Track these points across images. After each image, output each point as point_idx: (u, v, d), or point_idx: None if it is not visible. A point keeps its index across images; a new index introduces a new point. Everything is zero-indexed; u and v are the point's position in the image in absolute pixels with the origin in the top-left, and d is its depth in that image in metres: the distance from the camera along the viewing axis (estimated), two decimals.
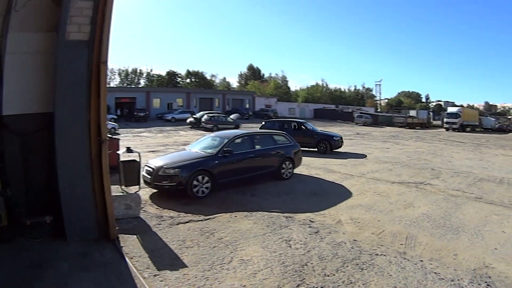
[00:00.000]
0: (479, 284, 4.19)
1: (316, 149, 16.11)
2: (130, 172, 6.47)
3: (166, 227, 5.81)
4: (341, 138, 16.85)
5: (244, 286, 3.95)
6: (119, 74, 61.64)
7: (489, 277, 4.39)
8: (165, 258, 4.56)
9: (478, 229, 6.22)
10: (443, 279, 4.33)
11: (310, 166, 12.38)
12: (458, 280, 4.29)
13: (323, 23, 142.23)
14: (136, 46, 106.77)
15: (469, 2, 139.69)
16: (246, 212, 6.70)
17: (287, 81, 78.74)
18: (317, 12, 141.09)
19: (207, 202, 7.37)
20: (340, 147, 16.56)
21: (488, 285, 4.19)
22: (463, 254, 5.12)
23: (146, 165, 7.85)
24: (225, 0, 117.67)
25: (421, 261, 4.85)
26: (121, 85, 58.99)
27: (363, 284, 4.17)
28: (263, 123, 19.42)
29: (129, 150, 6.66)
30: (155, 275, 4.06)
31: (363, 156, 15.91)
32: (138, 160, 6.61)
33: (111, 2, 4.45)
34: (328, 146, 16.02)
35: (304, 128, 17.17)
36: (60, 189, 4.67)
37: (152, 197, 7.66)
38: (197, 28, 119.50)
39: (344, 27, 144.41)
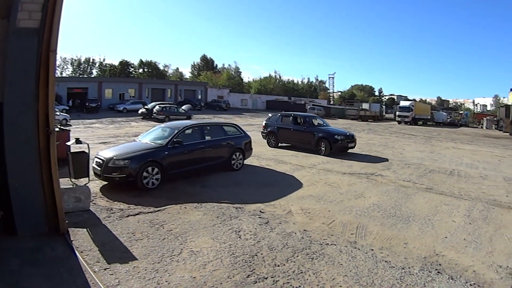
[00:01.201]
0: (429, 272, 4.65)
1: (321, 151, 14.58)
2: (78, 164, 6.85)
3: (116, 219, 6.11)
4: (348, 136, 15.15)
5: (194, 277, 4.20)
6: (72, 63, 64.28)
7: (440, 264, 4.89)
8: (115, 251, 4.83)
9: (428, 218, 6.89)
10: (393, 267, 4.75)
11: (261, 157, 13.08)
12: (409, 268, 4.74)
13: (277, 15, 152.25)
14: (90, 34, 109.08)
15: None
16: (196, 204, 7.12)
17: (240, 72, 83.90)
18: (272, 4, 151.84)
19: (157, 193, 7.80)
20: (347, 147, 14.91)
21: (438, 272, 4.66)
22: (413, 242, 5.65)
23: (96, 157, 8.21)
24: None
25: (372, 250, 5.29)
26: (73, 75, 61.49)
27: (314, 274, 4.48)
28: (270, 115, 17.98)
29: (78, 141, 7.05)
30: (105, 269, 4.31)
31: None
32: (87, 151, 6.95)
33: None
34: (328, 147, 14.33)
35: (305, 123, 15.58)
36: (9, 182, 4.86)
37: (102, 189, 8.00)
38: (150, 17, 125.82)
39: (299, 20, 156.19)
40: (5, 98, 4.75)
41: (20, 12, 4.55)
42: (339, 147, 14.52)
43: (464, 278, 4.55)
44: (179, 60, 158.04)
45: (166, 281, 4.11)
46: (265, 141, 16.68)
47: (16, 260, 4.41)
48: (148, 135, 9.80)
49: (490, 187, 10.05)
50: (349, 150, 15.20)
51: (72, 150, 6.83)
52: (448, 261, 5.03)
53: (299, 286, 4.19)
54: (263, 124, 17.20)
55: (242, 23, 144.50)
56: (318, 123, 16.18)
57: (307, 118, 16.14)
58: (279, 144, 16.24)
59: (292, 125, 15.92)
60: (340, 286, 4.24)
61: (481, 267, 4.89)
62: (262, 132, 17.24)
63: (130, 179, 7.84)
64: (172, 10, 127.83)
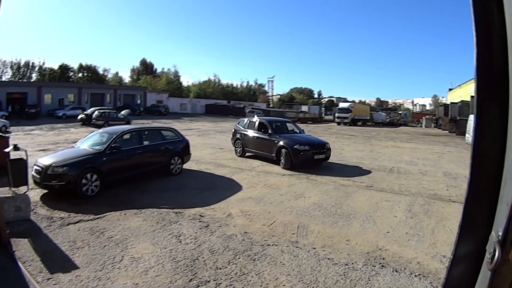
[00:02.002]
0: (373, 266, 5.01)
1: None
2: (17, 171, 6.95)
3: (56, 228, 6.36)
4: (316, 146, 13.23)
5: (137, 284, 4.36)
6: (11, 67, 65.45)
7: (383, 258, 5.27)
8: (57, 261, 5.02)
9: (369, 215, 7.37)
10: (337, 264, 5.04)
11: (200, 161, 13.54)
12: (352, 263, 5.06)
13: (216, 17, 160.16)
14: (30, 37, 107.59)
15: (363, 4, 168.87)
16: (135, 210, 7.39)
17: (179, 76, 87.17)
18: (210, 6, 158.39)
19: (97, 201, 8.11)
20: (313, 159, 12.87)
21: (382, 265, 5.02)
22: (355, 239, 6.03)
23: (35, 164, 8.43)
24: None
25: (314, 248, 5.57)
26: (13, 79, 62.87)
27: (256, 275, 4.68)
28: (245, 120, 16.56)
29: (16, 148, 7.29)
30: (48, 279, 4.48)
31: None
32: (25, 158, 7.05)
33: None
34: (288, 159, 12.66)
35: (268, 129, 14.01)
36: None
37: (43, 197, 8.27)
38: (89, 20, 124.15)
39: (238, 23, 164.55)
40: None
41: None
42: (302, 159, 12.47)
43: (408, 269, 4.94)
44: (119, 64, 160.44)
45: None
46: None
47: None
48: (87, 141, 10.06)
49: (430, 182, 10.96)
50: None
51: (10, 158, 7.05)
52: (392, 255, 5.42)
53: (242, 287, 4.36)
54: (233, 130, 16.54)
55: (181, 27, 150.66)
56: (286, 129, 14.77)
57: (272, 123, 14.52)
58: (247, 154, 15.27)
59: (256, 131, 14.46)
60: (284, 285, 4.42)
61: (425, 258, 5.33)
62: (231, 139, 16.54)
63: (69, 187, 8.09)
64: (110, 13, 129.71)
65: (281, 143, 13.01)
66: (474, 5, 1.09)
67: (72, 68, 70.85)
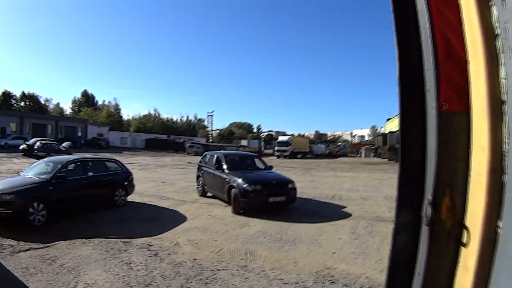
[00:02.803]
0: (323, 283, 5.31)
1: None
2: None
3: (7, 255, 6.34)
4: (272, 185, 10.96)
5: None
6: None
7: (332, 276, 5.60)
8: (13, 287, 5.09)
9: (314, 239, 7.72)
10: (287, 283, 5.29)
11: (143, 194, 13.57)
12: (303, 282, 5.33)
13: (156, 52, 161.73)
14: None
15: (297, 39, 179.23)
16: (84, 239, 7.38)
17: (119, 109, 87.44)
18: (149, 39, 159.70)
19: (45, 230, 8.14)
20: (266, 202, 10.52)
21: (332, 282, 5.34)
22: (303, 261, 6.33)
23: None
24: (59, 23, 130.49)
25: (263, 271, 5.79)
26: None
27: None
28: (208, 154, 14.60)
29: None
30: None
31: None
32: None
33: None
34: (237, 201, 10.61)
35: (221, 164, 12.24)
36: None
37: None
38: (32, 46, 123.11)
39: (178, 58, 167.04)
40: None
41: None
42: (253, 202, 10.33)
43: (358, 283, 5.31)
44: (61, 95, 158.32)
45: None
46: None
47: None
48: (33, 169, 10.09)
49: (372, 206, 11.65)
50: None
51: None
52: (340, 272, 5.77)
53: None
54: (197, 165, 15.03)
55: (122, 60, 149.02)
56: (248, 165, 12.95)
57: (228, 157, 12.82)
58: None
59: (213, 167, 12.63)
60: None
61: (373, 273, 5.71)
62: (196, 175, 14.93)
63: (17, 215, 8.09)
64: (52, 41, 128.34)
65: (231, 181, 10.85)
66: (397, 36, 1.45)
67: (15, 96, 70.59)
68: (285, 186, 11.15)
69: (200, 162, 14.64)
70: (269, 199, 10.51)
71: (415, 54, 1.38)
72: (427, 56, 1.32)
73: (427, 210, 1.28)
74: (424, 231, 1.34)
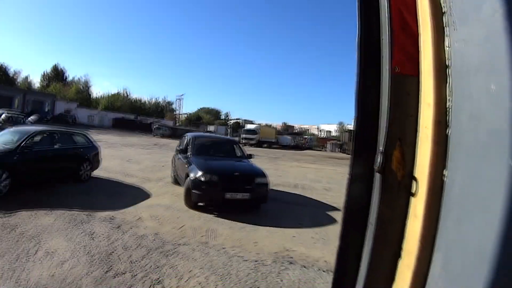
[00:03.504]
0: (282, 263, 5.52)
1: None
2: None
3: None
4: (232, 179, 8.91)
5: (53, 275, 4.44)
6: None
7: (291, 257, 5.82)
8: None
9: (275, 223, 7.98)
10: (247, 260, 5.49)
11: (109, 170, 13.43)
12: (262, 261, 5.53)
13: (129, 30, 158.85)
14: None
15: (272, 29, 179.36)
16: (46, 210, 7.42)
17: (89, 86, 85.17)
18: (123, 19, 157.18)
19: (6, 200, 7.95)
20: (223, 198, 8.61)
21: (291, 263, 5.54)
22: (263, 241, 6.53)
23: None
24: None
25: (224, 248, 5.97)
26: None
27: (170, 268, 4.98)
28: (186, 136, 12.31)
29: None
30: None
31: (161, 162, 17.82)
32: None
33: None
34: (188, 193, 8.81)
35: (187, 148, 10.98)
36: None
37: None
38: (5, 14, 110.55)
39: (150, 38, 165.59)
40: None
41: None
42: (204, 196, 8.66)
43: (316, 266, 5.53)
44: (31, 67, 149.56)
45: (25, 280, 4.26)
46: None
47: None
48: None
49: (334, 197, 11.95)
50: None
51: None
52: (299, 255, 5.99)
53: (159, 277, 4.63)
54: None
55: (94, 36, 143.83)
56: (221, 151, 11.38)
57: (197, 140, 11.51)
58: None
59: (181, 152, 11.18)
60: (198, 276, 4.76)
61: (332, 258, 6.03)
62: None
63: None
64: (26, 11, 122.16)
65: (189, 169, 9.22)
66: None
67: None
68: (250, 180, 8.91)
69: (178, 145, 12.30)
70: (226, 195, 8.40)
71: (375, 29, 1.57)
72: (384, 30, 1.50)
73: (379, 160, 1.45)
74: (377, 181, 1.51)
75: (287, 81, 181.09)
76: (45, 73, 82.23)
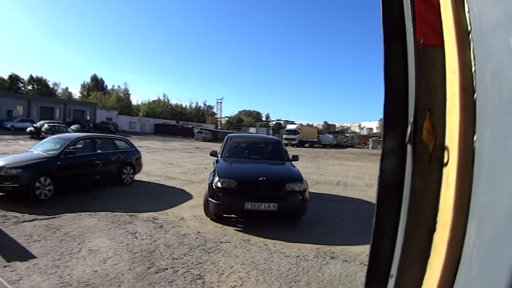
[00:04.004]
0: (324, 258, 5.51)
1: None
2: None
3: (11, 224, 6.56)
4: (254, 185, 7.40)
5: (96, 271, 4.60)
6: None
7: (333, 252, 5.80)
8: (13, 251, 5.22)
9: (318, 218, 8.03)
10: (288, 256, 5.51)
11: (151, 174, 13.85)
12: (303, 256, 5.55)
13: (167, 37, 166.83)
14: None
15: (311, 29, 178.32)
16: (90, 212, 7.66)
17: (129, 94, 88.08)
18: (161, 26, 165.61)
19: (51, 204, 8.28)
20: (242, 208, 7.22)
21: (332, 257, 5.53)
22: (305, 238, 6.56)
23: None
24: (69, 4, 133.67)
25: (266, 245, 6.02)
26: None
27: (212, 264, 5.08)
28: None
29: None
30: (5, 266, 4.67)
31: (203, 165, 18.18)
32: None
33: None
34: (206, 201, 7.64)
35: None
36: None
37: None
38: (42, 30, 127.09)
39: (189, 44, 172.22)
40: None
41: None
42: (221, 205, 7.31)
43: (358, 260, 5.49)
44: (69, 79, 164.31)
45: (68, 275, 4.43)
46: None
47: None
48: (41, 146, 10.35)
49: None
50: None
51: None
52: (341, 250, 5.95)
53: (200, 273, 4.71)
54: None
55: (133, 45, 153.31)
56: (260, 153, 9.86)
57: (233, 141, 10.22)
58: None
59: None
60: (239, 271, 4.82)
61: None
62: None
63: (23, 189, 8.24)
64: (63, 25, 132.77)
65: (212, 173, 8.02)
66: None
67: (23, 79, 71.87)
68: (280, 186, 7.34)
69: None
70: (246, 205, 6.95)
71: (397, 3, 1.57)
72: (406, 4, 1.51)
73: (408, 131, 1.45)
74: (408, 154, 1.51)
75: (327, 80, 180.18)
76: (85, 83, 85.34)
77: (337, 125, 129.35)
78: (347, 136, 79.05)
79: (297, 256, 5.56)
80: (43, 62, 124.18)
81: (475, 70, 1.21)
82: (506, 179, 1.03)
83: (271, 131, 76.61)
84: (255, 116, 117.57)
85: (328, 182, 13.89)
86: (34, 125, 37.61)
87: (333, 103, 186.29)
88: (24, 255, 5.09)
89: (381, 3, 1.59)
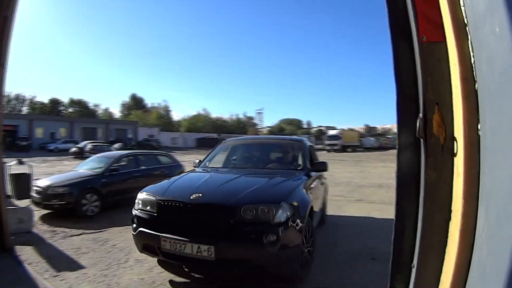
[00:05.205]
0: (365, 258, 5.52)
1: None
2: (20, 184, 7.58)
3: (60, 238, 6.76)
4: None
5: (143, 279, 4.74)
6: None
7: (374, 250, 5.78)
8: (63, 262, 5.38)
9: (357, 221, 7.99)
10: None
11: None
12: (341, 257, 5.56)
13: (202, 53, 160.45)
14: (19, 69, 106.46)
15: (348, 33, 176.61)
16: None
17: (169, 111, 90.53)
18: (196, 44, 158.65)
19: (98, 219, 8.50)
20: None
21: (373, 258, 5.54)
22: (345, 239, 6.57)
23: (34, 186, 8.68)
24: (103, 26, 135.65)
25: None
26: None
27: None
28: None
29: (20, 162, 8.05)
30: (55, 276, 4.81)
31: None
32: (29, 172, 7.84)
33: (14, 6, 5.28)
34: None
35: None
36: None
37: (42, 217, 8.63)
38: (79, 55, 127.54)
39: (224, 59, 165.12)
40: None
41: None
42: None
43: None
44: (108, 101, 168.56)
45: (116, 283, 4.58)
46: None
47: None
48: (85, 164, 10.69)
49: None
50: None
51: (13, 172, 7.60)
52: (381, 251, 5.92)
53: None
54: None
55: (169, 63, 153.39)
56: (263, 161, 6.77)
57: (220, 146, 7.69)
58: None
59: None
60: None
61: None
62: None
63: (69, 206, 8.47)
64: (97, 48, 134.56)
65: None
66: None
67: (63, 102, 74.56)
68: (226, 212, 4.06)
69: None
70: (162, 244, 4.18)
71: (400, 3, 1.65)
72: (408, 3, 1.58)
73: (418, 125, 1.51)
74: (422, 148, 1.57)
75: (366, 82, 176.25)
76: (124, 102, 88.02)
77: (379, 127, 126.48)
78: (389, 138, 77.12)
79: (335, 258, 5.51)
80: (81, 85, 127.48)
81: (473, 61, 1.26)
82: (506, 164, 1.08)
83: (313, 138, 76.16)
84: (296, 124, 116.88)
85: (371, 185, 13.76)
86: (77, 145, 38.94)
87: (373, 105, 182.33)
88: (73, 265, 5.30)
89: (386, 5, 1.67)
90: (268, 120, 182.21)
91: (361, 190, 12.66)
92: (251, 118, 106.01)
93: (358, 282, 4.59)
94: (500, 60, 1.06)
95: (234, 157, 7.11)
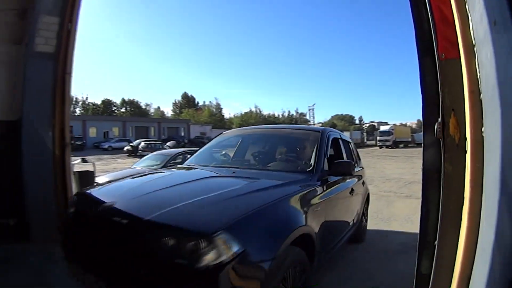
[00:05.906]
0: (411, 250, 5.74)
1: None
2: (84, 182, 7.82)
3: None
4: None
5: None
6: None
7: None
8: None
9: (408, 217, 8.01)
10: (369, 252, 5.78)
11: None
12: (388, 250, 5.80)
13: (253, 50, 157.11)
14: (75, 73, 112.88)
15: (397, 28, 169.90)
16: None
17: (221, 108, 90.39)
18: (245, 39, 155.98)
19: None
20: None
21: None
22: (393, 235, 6.78)
23: (95, 183, 9.03)
24: (157, 27, 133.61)
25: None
26: None
27: None
28: None
29: (84, 160, 8.51)
30: None
31: None
32: (92, 169, 8.29)
33: (76, 19, 5.72)
34: None
35: None
36: (25, 191, 5.52)
37: None
38: (130, 55, 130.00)
39: (275, 55, 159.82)
40: (24, 114, 5.57)
41: (37, 38, 5.56)
42: None
43: None
44: (160, 99, 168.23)
45: None
46: None
47: (34, 260, 5.00)
48: (143, 162, 11.09)
49: None
50: None
51: (78, 169, 7.90)
52: None
53: None
54: None
55: (219, 61, 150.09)
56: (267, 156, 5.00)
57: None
58: None
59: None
60: None
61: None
62: None
63: None
64: (148, 48, 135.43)
65: None
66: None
67: (115, 103, 75.70)
68: (128, 238, 2.35)
69: None
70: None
71: (424, 22, 1.96)
72: (430, 23, 1.90)
73: (436, 128, 1.84)
74: (442, 146, 1.89)
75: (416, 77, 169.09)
76: (176, 101, 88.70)
77: None
78: None
79: (383, 252, 5.79)
80: (132, 86, 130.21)
81: (479, 76, 1.57)
82: (495, 160, 1.40)
83: (365, 134, 74.56)
84: (348, 120, 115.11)
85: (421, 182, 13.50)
86: (131, 144, 39.86)
87: None
88: None
89: (413, 26, 1.99)
90: (320, 116, 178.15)
91: (411, 186, 12.62)
92: (303, 114, 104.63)
93: None
94: (491, 79, 1.38)
95: (224, 152, 5.96)
